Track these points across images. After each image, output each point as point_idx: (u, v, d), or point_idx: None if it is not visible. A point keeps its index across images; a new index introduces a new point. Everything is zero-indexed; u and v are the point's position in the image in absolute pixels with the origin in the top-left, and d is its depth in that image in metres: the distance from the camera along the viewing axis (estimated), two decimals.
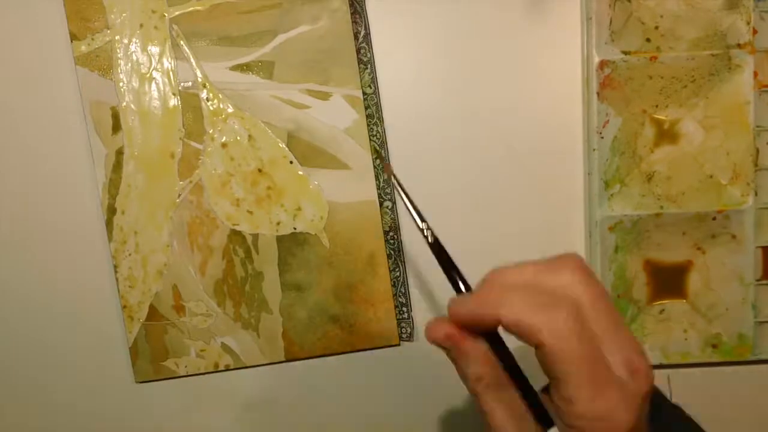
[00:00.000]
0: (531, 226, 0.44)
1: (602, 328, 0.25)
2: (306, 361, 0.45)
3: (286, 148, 0.43)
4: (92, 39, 0.42)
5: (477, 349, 0.27)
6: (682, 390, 0.45)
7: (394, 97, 0.43)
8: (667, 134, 0.43)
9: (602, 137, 0.42)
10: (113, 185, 0.43)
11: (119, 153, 0.43)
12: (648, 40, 0.42)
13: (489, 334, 0.27)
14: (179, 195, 0.43)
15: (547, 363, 0.24)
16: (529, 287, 0.26)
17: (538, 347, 0.24)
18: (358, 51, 0.42)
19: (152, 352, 0.44)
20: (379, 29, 0.43)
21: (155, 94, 0.43)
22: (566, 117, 0.44)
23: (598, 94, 0.42)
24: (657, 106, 0.43)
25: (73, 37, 0.42)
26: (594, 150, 0.42)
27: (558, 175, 0.44)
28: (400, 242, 0.44)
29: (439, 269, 0.29)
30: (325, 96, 0.43)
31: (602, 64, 0.42)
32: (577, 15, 0.43)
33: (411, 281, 0.45)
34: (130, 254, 0.44)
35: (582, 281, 0.26)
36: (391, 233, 0.44)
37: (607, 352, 0.25)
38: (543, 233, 0.44)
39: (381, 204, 0.43)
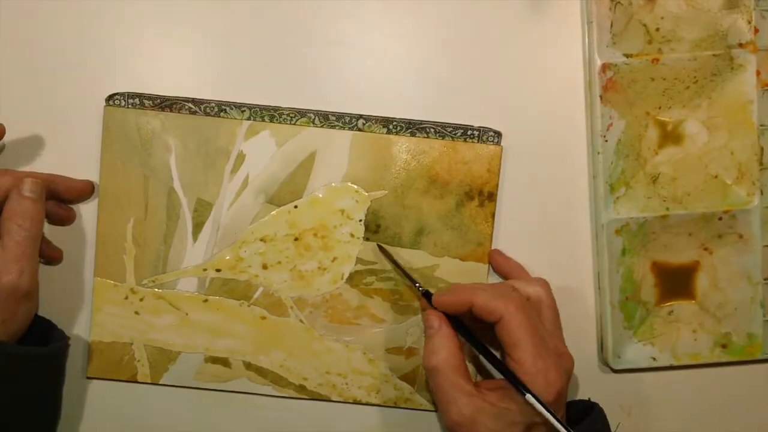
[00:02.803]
0: (536, 230, 0.44)
1: (548, 322, 0.39)
2: None
3: None
4: None
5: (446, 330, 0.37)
6: (693, 392, 0.45)
7: (393, 96, 0.43)
8: (671, 136, 0.43)
9: (606, 140, 0.42)
10: None
11: None
12: (649, 42, 0.42)
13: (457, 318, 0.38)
14: None
15: (504, 333, 0.36)
16: (491, 287, 0.38)
17: (498, 322, 0.36)
18: None
19: None
20: (378, 28, 0.43)
21: None
22: (569, 120, 0.44)
23: (600, 97, 0.42)
24: (660, 107, 0.43)
25: None
26: (598, 153, 0.42)
27: (562, 179, 0.44)
28: None
29: None
30: None
31: (604, 67, 0.42)
32: (578, 18, 0.43)
33: None
34: None
35: (547, 293, 0.40)
36: None
37: (546, 337, 0.37)
38: (549, 237, 0.44)
39: None
